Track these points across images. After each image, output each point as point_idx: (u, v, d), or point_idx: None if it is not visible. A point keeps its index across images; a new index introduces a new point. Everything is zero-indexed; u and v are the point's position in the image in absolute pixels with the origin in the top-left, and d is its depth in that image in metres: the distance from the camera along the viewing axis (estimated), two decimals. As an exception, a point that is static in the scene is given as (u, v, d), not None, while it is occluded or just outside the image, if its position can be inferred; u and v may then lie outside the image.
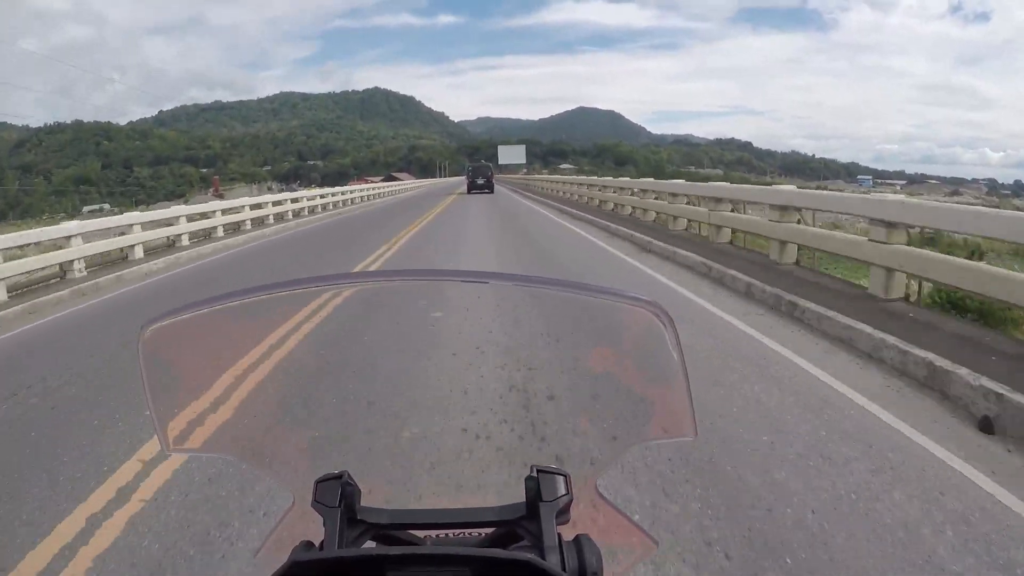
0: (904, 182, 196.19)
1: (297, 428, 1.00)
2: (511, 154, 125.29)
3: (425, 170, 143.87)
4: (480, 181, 37.28)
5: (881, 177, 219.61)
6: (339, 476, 0.63)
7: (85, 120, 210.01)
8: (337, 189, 30.70)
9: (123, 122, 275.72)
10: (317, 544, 0.60)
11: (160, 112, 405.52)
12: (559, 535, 0.60)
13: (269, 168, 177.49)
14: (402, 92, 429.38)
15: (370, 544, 0.63)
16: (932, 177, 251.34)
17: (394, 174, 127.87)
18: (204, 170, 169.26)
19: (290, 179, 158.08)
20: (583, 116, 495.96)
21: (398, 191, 44.65)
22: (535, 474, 0.63)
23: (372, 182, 64.91)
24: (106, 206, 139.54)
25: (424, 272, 0.67)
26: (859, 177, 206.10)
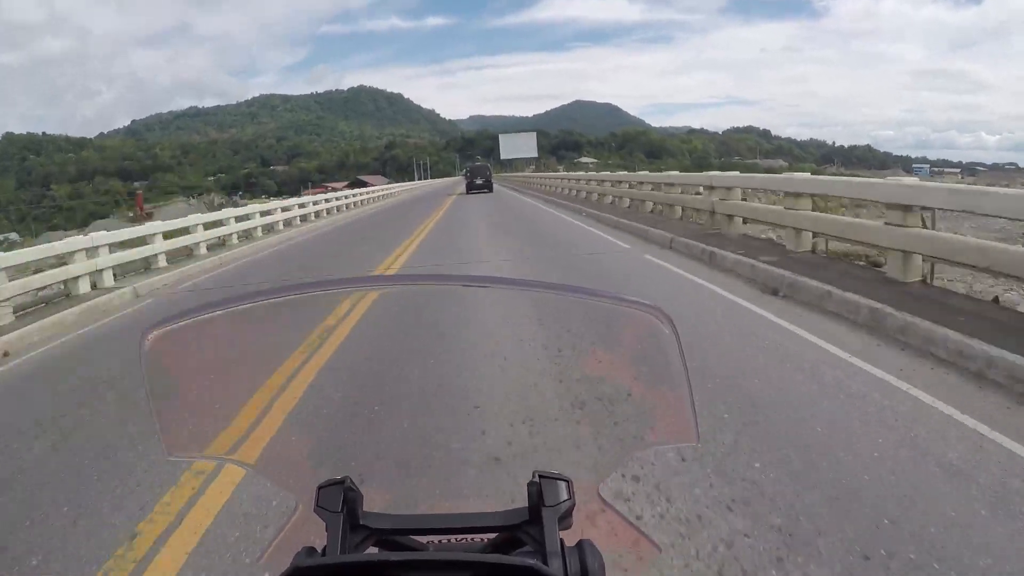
0: (958, 170, 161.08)
1: (300, 434, 0.82)
2: (517, 145, 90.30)
3: (405, 171, 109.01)
4: (479, 181, 38.20)
5: (936, 166, 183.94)
6: (341, 481, 0.62)
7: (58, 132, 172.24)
8: (274, 205, 20.54)
9: (93, 134, 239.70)
10: (320, 549, 0.60)
11: (133, 122, 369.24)
12: (561, 540, 0.59)
13: (221, 177, 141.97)
14: (389, 90, 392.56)
15: (373, 550, 0.62)
16: (979, 164, 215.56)
17: (362, 178, 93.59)
18: (137, 184, 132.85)
19: (241, 189, 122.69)
20: (581, 110, 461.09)
21: (359, 202, 30.41)
22: (537, 479, 0.62)
23: (334, 189, 51.74)
24: (13, 235, 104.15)
25: (428, 277, 0.65)
26: (914, 166, 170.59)
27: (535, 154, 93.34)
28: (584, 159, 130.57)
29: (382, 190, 39.45)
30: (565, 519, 0.60)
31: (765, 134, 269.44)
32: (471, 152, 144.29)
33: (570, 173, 30.80)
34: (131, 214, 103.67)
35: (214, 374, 0.74)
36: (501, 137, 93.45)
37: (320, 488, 0.62)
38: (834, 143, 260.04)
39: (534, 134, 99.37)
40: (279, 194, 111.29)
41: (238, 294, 0.63)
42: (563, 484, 0.62)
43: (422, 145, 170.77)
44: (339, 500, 0.61)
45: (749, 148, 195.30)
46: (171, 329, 0.63)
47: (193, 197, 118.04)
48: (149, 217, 37.19)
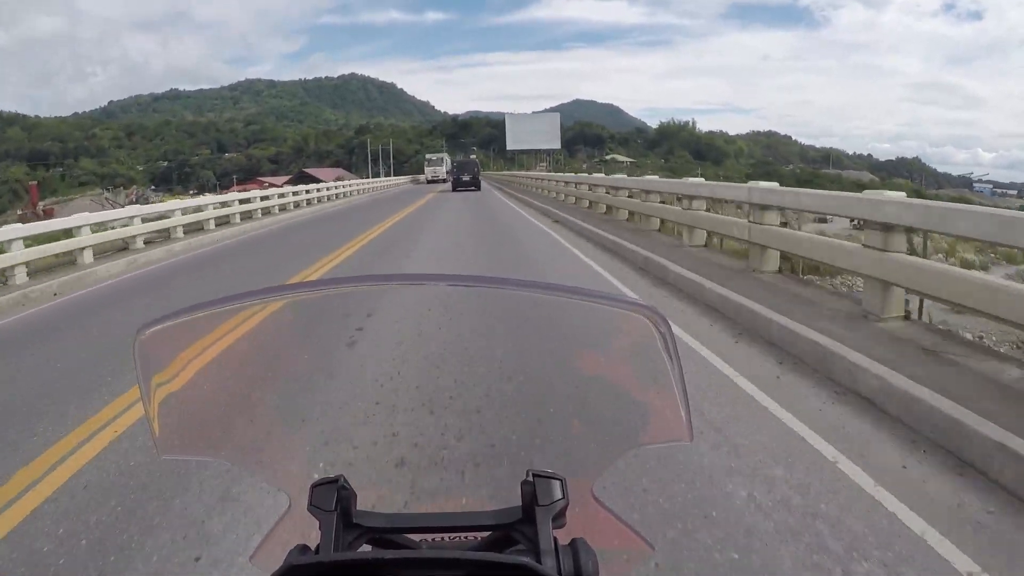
0: (1015, 192, 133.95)
1: (293, 432, 0.97)
2: (532, 132, 62.70)
3: (376, 162, 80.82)
4: (465, 178, 35.64)
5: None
6: (335, 480, 0.62)
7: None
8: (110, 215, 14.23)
9: (67, 113, 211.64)
10: (313, 548, 0.59)
11: (111, 102, 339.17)
12: (555, 539, 0.58)
13: (163, 164, 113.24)
14: (382, 79, 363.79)
15: (366, 548, 0.62)
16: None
17: (311, 171, 66.02)
18: (54, 171, 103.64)
19: (169, 181, 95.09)
20: (581, 109, 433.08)
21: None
22: (531, 478, 0.61)
23: (272, 185, 41.38)
24: None
25: (417, 277, 0.65)
26: (976, 186, 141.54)
27: (558, 144, 66.08)
28: (620, 157, 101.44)
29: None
30: (559, 518, 0.60)
31: (786, 139, 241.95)
32: (464, 141, 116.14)
33: (642, 179, 13.81)
34: (19, 212, 74.85)
35: (207, 372, 0.73)
36: (508, 119, 66.58)
37: (314, 487, 0.62)
38: (853, 152, 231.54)
39: (557, 116, 71.12)
40: (217, 187, 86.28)
41: (232, 294, 0.62)
42: (557, 483, 0.61)
43: (403, 131, 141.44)
44: (333, 499, 0.60)
45: (794, 154, 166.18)
46: (164, 327, 0.62)
47: (108, 190, 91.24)
48: (48, 215, 32.27)
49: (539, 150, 68.33)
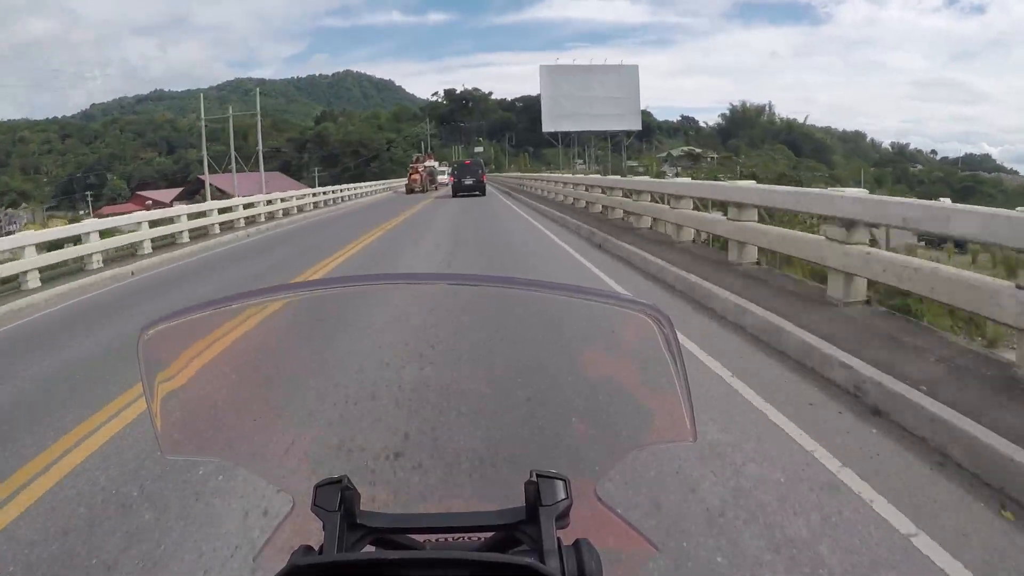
0: None
1: (297, 432, 0.98)
2: (587, 97, 36.76)
3: (333, 163, 55.61)
4: (468, 181, 29.38)
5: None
6: (339, 480, 0.62)
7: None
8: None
9: (40, 117, 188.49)
10: (317, 548, 0.59)
11: (92, 105, 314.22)
12: (559, 539, 0.58)
13: (80, 175, 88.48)
14: (378, 76, 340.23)
15: (370, 548, 0.62)
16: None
17: (207, 179, 39.86)
18: None
19: (74, 193, 70.90)
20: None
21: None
22: (535, 478, 0.61)
23: (157, 202, 39.84)
24: None
25: (420, 276, 0.66)
26: None
27: (636, 123, 40.10)
28: (711, 153, 72.95)
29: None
30: (562, 518, 0.60)
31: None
32: (464, 124, 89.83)
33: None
34: None
35: (210, 372, 0.71)
36: (544, 74, 38.85)
37: (317, 487, 0.62)
38: (929, 150, 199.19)
39: (636, 69, 44.33)
40: (131, 199, 69.34)
41: (235, 293, 0.62)
42: (560, 483, 0.61)
43: (372, 115, 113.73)
44: (336, 499, 0.60)
45: (867, 148, 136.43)
46: (168, 327, 0.61)
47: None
48: None
49: (601, 133, 41.94)
